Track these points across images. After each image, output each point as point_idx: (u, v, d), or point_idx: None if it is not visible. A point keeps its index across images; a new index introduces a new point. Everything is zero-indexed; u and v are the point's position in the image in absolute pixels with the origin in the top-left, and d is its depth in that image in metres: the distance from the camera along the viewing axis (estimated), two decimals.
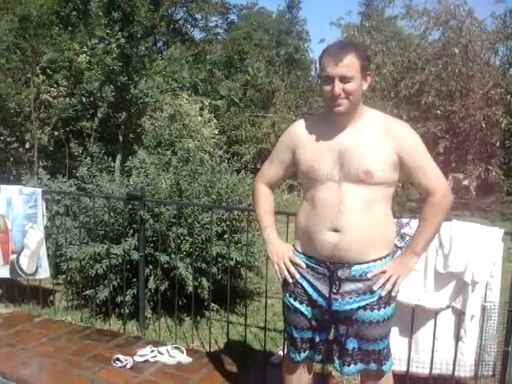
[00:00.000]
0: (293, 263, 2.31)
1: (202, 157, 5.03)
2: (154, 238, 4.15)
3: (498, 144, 10.37)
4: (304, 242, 2.30)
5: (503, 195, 11.54)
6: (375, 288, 2.18)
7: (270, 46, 19.97)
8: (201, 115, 8.36)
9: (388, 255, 2.25)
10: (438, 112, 10.42)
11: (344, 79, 2.08)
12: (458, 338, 2.95)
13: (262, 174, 2.51)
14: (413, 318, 2.98)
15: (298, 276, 2.29)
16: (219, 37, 18.18)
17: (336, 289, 2.19)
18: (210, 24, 17.73)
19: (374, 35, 12.08)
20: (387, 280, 2.19)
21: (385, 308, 2.22)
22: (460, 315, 2.93)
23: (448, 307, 2.95)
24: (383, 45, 11.84)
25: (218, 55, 15.48)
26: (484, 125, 9.89)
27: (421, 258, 2.36)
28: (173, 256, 4.11)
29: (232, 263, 4.19)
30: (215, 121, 8.96)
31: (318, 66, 2.23)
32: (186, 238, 4.21)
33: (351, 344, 2.26)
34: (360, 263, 2.17)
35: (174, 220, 4.08)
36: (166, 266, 4.15)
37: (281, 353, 3.60)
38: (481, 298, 2.87)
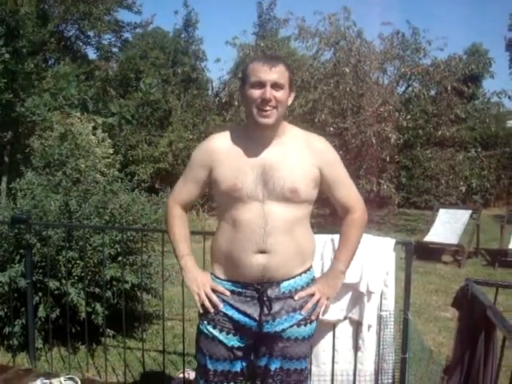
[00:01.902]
0: (215, 291, 2.16)
1: (94, 177, 4.82)
2: (43, 264, 3.95)
3: (388, 159, 10.80)
4: (228, 267, 2.16)
5: (395, 208, 11.99)
6: (303, 313, 2.14)
7: (167, 65, 19.84)
8: (94, 134, 8.10)
9: (311, 266, 2.23)
10: (332, 129, 10.70)
11: (275, 86, 2.02)
12: (356, 348, 2.98)
13: (176, 194, 2.31)
14: None
15: (221, 306, 2.14)
16: (114, 55, 17.81)
17: (268, 310, 2.09)
18: (104, 42, 17.33)
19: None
20: (316, 303, 2.17)
21: (310, 324, 2.19)
22: (357, 326, 2.97)
23: (345, 318, 2.98)
24: None
25: (114, 73, 15.16)
26: (374, 140, 10.25)
27: (317, 272, 2.35)
28: (63, 281, 3.92)
29: (127, 286, 4.08)
30: (109, 140, 8.72)
31: (243, 76, 2.11)
32: (78, 261, 4.02)
33: (274, 365, 2.18)
34: (288, 279, 2.12)
35: (63, 243, 3.91)
36: (56, 292, 3.95)
37: (181, 376, 3.50)
38: (376, 307, 2.93)
